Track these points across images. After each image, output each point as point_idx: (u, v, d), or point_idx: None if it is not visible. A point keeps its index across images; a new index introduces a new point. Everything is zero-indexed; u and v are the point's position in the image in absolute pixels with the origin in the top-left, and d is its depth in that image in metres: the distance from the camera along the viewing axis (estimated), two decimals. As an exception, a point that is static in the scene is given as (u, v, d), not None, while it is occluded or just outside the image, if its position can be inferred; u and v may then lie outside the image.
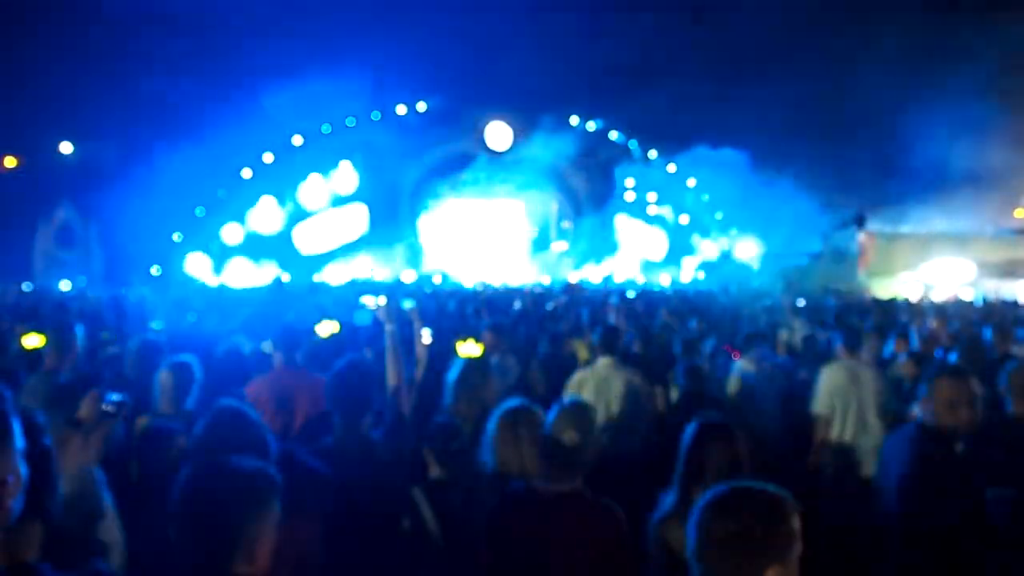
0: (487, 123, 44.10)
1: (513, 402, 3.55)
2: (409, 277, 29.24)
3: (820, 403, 5.85)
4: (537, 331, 8.78)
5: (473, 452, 3.51)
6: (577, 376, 5.83)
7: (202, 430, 2.97)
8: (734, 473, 2.94)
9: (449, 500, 3.24)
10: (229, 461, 2.06)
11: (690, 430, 3.17)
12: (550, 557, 2.86)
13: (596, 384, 5.66)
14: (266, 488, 2.04)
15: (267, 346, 5.57)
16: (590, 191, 41.94)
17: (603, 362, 5.85)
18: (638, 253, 44.47)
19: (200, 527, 1.95)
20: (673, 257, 43.99)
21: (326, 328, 7.05)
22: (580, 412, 3.14)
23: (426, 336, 5.13)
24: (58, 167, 33.28)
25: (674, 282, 30.96)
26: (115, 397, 2.52)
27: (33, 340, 5.41)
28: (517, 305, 13.28)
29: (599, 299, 14.91)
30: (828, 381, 5.89)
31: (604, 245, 43.37)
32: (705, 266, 40.33)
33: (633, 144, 43.79)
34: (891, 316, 12.16)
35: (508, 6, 33.16)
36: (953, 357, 5.94)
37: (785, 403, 6.31)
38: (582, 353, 6.96)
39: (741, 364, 6.31)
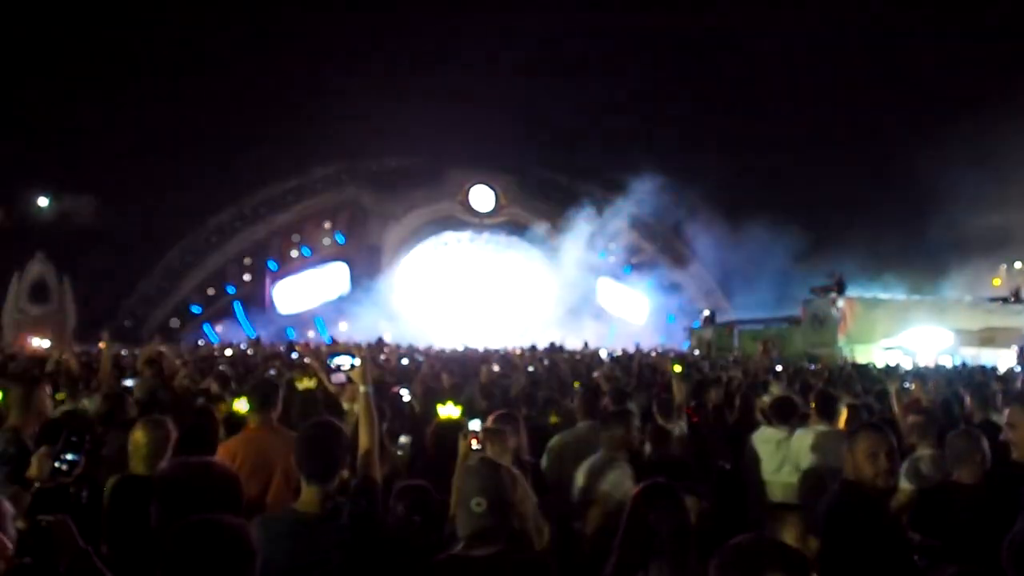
0: (470, 185, 44.48)
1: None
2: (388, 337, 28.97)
3: (784, 469, 5.90)
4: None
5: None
6: (557, 439, 5.70)
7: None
8: (680, 538, 2.92)
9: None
10: (217, 518, 2.06)
11: (634, 493, 3.15)
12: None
13: (577, 447, 5.53)
14: (253, 544, 2.05)
15: (240, 404, 5.40)
16: (573, 254, 42.12)
17: (583, 425, 5.77)
18: (620, 316, 44.63)
19: None
20: (655, 321, 44.16)
21: (304, 384, 6.95)
22: (487, 475, 2.98)
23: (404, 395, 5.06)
24: (34, 221, 33.11)
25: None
26: (69, 456, 2.47)
27: None
28: (495, 368, 13.16)
29: (580, 363, 14.83)
30: (794, 446, 5.95)
31: (586, 308, 43.46)
32: (687, 330, 40.39)
33: (618, 208, 44.19)
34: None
35: (489, 71, 33.80)
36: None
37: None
38: (552, 416, 6.83)
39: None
